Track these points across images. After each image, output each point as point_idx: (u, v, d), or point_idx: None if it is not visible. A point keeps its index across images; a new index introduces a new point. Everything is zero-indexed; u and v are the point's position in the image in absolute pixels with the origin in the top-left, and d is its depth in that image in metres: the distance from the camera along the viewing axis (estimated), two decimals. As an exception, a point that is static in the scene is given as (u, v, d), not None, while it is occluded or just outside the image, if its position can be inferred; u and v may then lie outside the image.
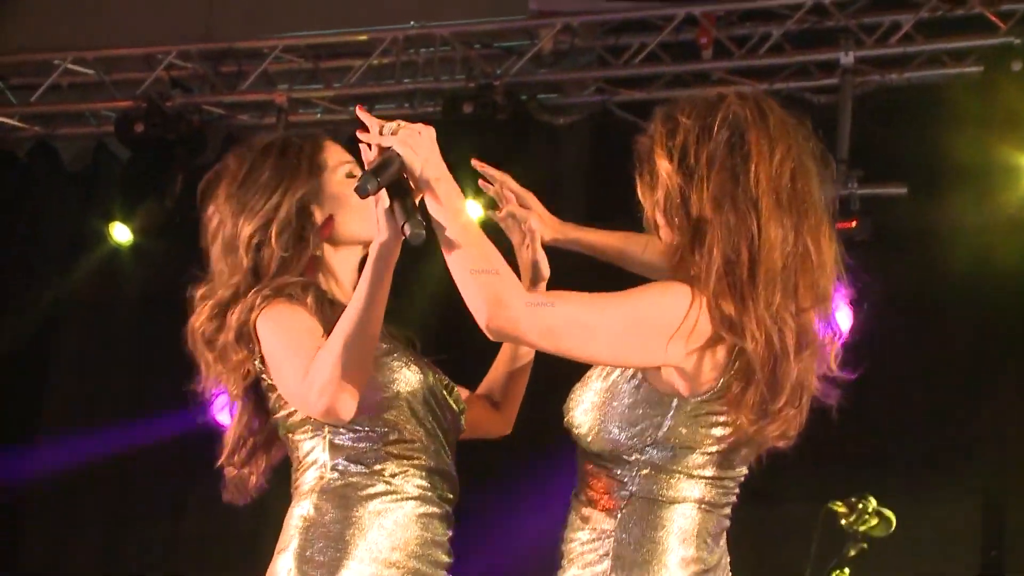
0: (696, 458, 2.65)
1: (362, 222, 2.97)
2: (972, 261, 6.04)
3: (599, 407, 2.68)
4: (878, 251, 5.97)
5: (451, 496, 2.95)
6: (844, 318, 5.62)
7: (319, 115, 7.38)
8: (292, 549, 2.83)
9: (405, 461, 2.87)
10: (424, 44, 7.16)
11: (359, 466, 2.85)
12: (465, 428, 3.06)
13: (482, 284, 2.51)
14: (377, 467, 2.86)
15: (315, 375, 2.68)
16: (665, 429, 2.63)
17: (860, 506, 4.59)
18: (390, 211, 2.58)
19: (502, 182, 3.18)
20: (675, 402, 2.63)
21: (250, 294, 2.89)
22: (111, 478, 7.23)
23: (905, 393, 6.02)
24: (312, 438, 2.89)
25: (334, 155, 3.08)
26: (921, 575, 5.89)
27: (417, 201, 2.60)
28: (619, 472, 2.67)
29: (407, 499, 2.86)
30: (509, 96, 6.78)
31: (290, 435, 2.93)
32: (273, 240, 2.93)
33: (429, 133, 2.63)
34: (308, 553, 2.81)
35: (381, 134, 2.61)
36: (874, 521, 4.61)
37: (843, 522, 4.61)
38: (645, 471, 2.65)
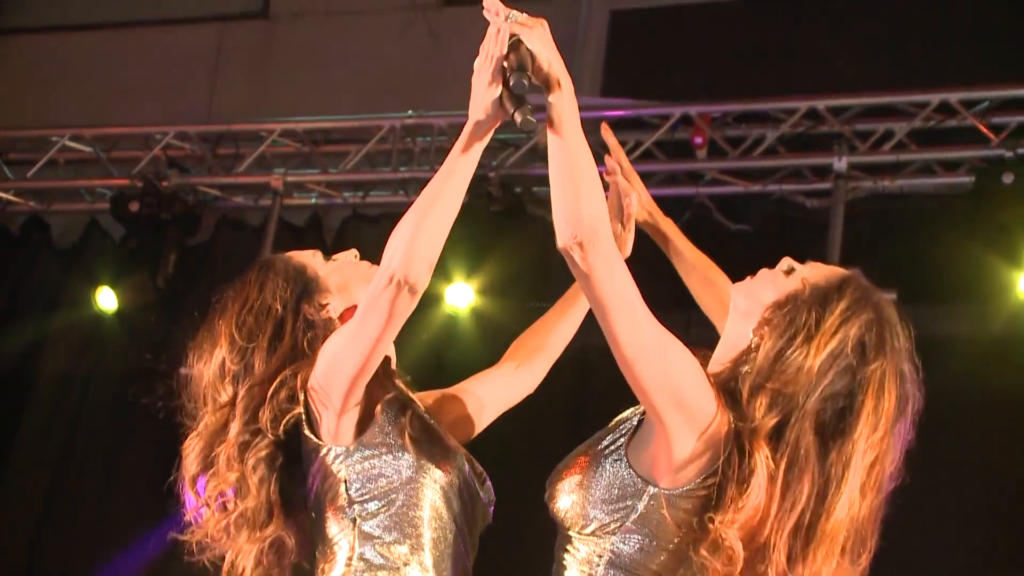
0: (660, 555, 2.64)
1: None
2: (963, 372, 6.04)
3: (582, 487, 2.69)
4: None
5: None
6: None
7: (313, 199, 7.41)
8: None
9: (429, 555, 2.85)
10: (421, 133, 7.21)
11: (384, 559, 2.83)
12: (491, 520, 3.03)
13: (588, 202, 2.53)
14: (401, 560, 2.83)
15: (393, 243, 2.69)
16: (636, 515, 2.64)
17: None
18: (500, 99, 2.59)
19: (616, 152, 3.32)
20: (651, 489, 2.63)
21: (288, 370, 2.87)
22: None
23: (892, 504, 5.99)
24: (342, 520, 2.86)
25: (300, 254, 3.08)
26: None
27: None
28: (592, 559, 2.67)
29: None
30: (504, 187, 6.82)
31: (320, 513, 2.89)
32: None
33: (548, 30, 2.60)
34: None
35: (507, 20, 2.57)
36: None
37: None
38: (617, 563, 2.65)
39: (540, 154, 7.03)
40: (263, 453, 2.86)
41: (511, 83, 2.55)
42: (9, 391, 7.48)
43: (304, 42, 7.95)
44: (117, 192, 7.38)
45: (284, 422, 2.86)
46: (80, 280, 7.41)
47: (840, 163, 6.47)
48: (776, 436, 2.56)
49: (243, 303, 2.96)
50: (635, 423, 2.74)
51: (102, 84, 8.04)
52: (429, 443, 2.89)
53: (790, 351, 2.60)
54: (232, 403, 2.90)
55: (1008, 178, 6.19)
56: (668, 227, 3.33)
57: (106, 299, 7.22)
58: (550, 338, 3.31)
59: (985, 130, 6.37)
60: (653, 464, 2.63)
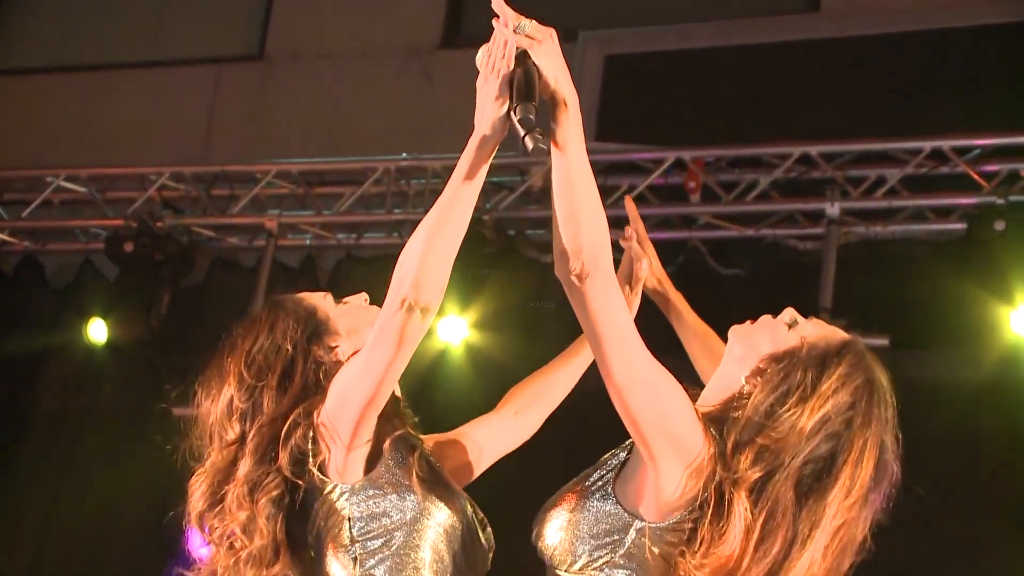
0: None
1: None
2: (954, 419, 6.04)
3: (570, 523, 2.70)
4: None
5: None
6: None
7: (308, 241, 7.42)
8: None
9: None
10: (415, 175, 7.23)
11: None
12: (489, 567, 3.01)
13: (589, 230, 2.51)
14: None
15: (402, 267, 2.69)
16: (623, 550, 2.64)
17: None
18: (506, 116, 2.53)
19: (636, 223, 3.34)
20: (637, 523, 2.64)
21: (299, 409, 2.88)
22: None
23: (882, 547, 5.98)
24: (343, 558, 2.84)
25: (311, 296, 3.08)
26: None
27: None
28: None
29: None
30: (497, 230, 6.84)
31: (321, 551, 2.87)
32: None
33: (557, 42, 2.53)
34: None
35: (516, 32, 2.51)
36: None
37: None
38: None
39: (534, 197, 7.06)
40: (273, 493, 2.86)
41: (518, 115, 2.50)
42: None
43: (300, 84, 7.98)
44: (112, 232, 7.40)
45: (296, 461, 2.85)
46: (73, 319, 7.41)
47: (833, 208, 6.49)
48: (758, 490, 2.58)
49: (253, 341, 2.96)
50: (622, 458, 2.75)
51: (98, 125, 8.07)
52: (435, 484, 2.89)
53: (783, 409, 2.61)
54: (240, 441, 2.90)
55: (1000, 225, 6.20)
56: (676, 297, 3.38)
57: (97, 331, 7.21)
58: (550, 386, 3.32)
59: (977, 177, 6.40)
60: (639, 497, 2.64)
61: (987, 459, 6.07)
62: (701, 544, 2.56)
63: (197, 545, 3.00)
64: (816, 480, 2.60)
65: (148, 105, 8.11)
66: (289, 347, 2.94)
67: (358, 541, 2.83)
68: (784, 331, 2.75)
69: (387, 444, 2.86)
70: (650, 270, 3.28)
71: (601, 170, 7.03)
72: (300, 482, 2.86)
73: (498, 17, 2.53)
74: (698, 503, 2.59)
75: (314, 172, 7.45)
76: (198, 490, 2.92)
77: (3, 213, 7.72)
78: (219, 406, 2.93)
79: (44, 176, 7.60)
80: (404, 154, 7.18)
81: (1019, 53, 6.56)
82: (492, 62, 2.54)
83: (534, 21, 2.52)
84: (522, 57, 2.51)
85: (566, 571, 2.71)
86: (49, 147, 8.01)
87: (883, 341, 6.17)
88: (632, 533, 2.64)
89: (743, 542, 2.55)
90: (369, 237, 7.33)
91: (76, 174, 7.56)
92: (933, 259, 6.43)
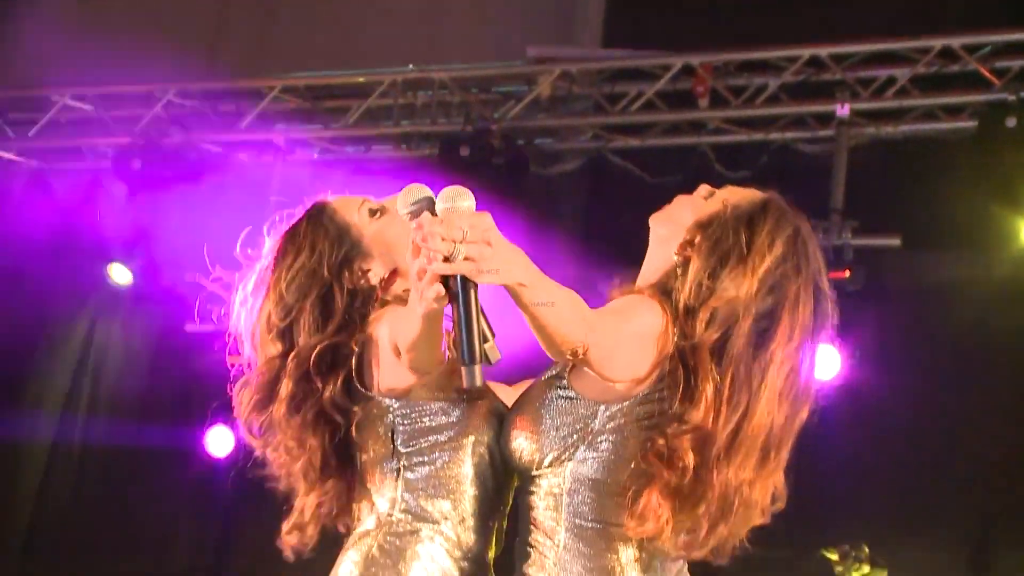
0: (620, 469, 2.68)
1: None
2: (965, 318, 6.05)
3: (534, 425, 2.74)
4: (871, 303, 5.99)
5: (496, 554, 2.94)
6: (833, 366, 5.67)
7: (316, 155, 7.41)
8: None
9: (470, 511, 2.87)
10: (422, 87, 7.20)
11: (426, 512, 2.85)
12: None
13: (567, 332, 2.49)
14: (442, 514, 2.85)
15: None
16: (592, 436, 2.69)
17: (853, 554, 4.61)
18: (454, 342, 2.42)
19: None
20: (602, 408, 2.69)
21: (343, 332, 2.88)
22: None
23: (894, 444, 6.02)
24: (386, 471, 2.88)
25: (347, 206, 3.06)
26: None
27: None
28: (554, 491, 2.72)
29: (463, 555, 2.85)
30: (506, 140, 6.81)
31: (364, 464, 2.91)
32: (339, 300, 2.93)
33: (497, 238, 2.35)
34: None
35: (451, 261, 2.33)
36: (866, 569, 4.63)
37: (837, 569, 4.63)
38: (579, 490, 2.70)
39: (542, 106, 7.03)
40: (314, 410, 2.88)
41: (461, 364, 2.36)
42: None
43: (305, -2, 7.92)
44: (119, 150, 7.39)
45: (337, 381, 2.87)
46: (82, 239, 7.43)
47: (843, 110, 6.46)
48: (718, 351, 2.66)
49: (294, 257, 2.97)
50: None
51: (103, 42, 8.02)
52: (477, 402, 2.89)
53: (725, 271, 2.71)
54: (282, 358, 2.92)
55: (1011, 121, 6.17)
56: None
57: (119, 274, 7.26)
58: None
59: (988, 74, 6.36)
60: (600, 383, 2.68)
61: (998, 357, 6.09)
62: (676, 415, 2.63)
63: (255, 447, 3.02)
64: (763, 332, 2.69)
65: (154, 21, 8.04)
66: (326, 272, 2.95)
67: (402, 455, 2.86)
68: (702, 202, 2.84)
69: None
70: None
71: (609, 77, 7.00)
72: (344, 399, 2.88)
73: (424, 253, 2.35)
74: (663, 375, 2.66)
75: (321, 86, 7.41)
76: (243, 402, 2.96)
77: (10, 132, 7.70)
78: (260, 318, 2.95)
79: (50, 95, 7.58)
80: (410, 66, 7.15)
81: (1030, -52, 6.49)
82: (427, 258, 2.35)
83: (466, 231, 2.31)
84: (462, 284, 2.35)
85: (538, 469, 2.75)
86: (53, 65, 7.95)
87: (895, 241, 6.17)
88: (600, 418, 2.70)
89: (714, 402, 2.63)
90: (377, 150, 7.32)
91: (82, 92, 7.54)
92: (944, 159, 6.40)
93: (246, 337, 3.00)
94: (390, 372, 2.82)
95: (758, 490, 2.69)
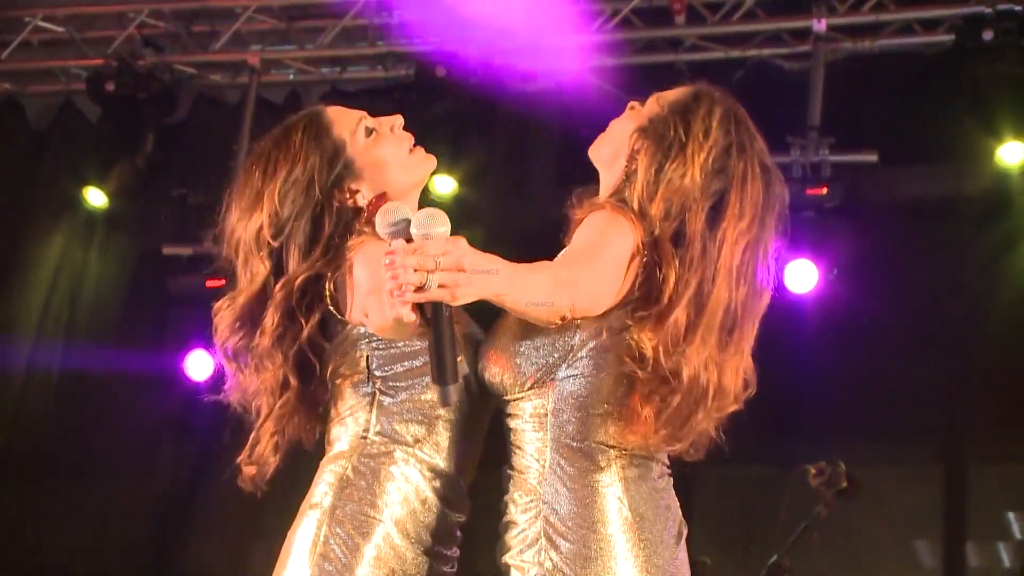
0: (605, 380, 2.71)
1: (404, 172, 2.98)
2: (941, 233, 6.08)
3: (512, 349, 2.76)
4: (848, 218, 6.01)
5: (470, 481, 2.96)
6: (809, 280, 5.71)
7: (291, 76, 7.36)
8: (326, 506, 2.84)
9: (444, 437, 2.88)
10: (398, 7, 7.12)
11: (400, 435, 2.85)
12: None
13: (548, 305, 2.57)
14: (416, 438, 2.86)
15: None
16: (572, 353, 2.72)
17: (831, 469, 4.71)
18: (431, 365, 2.43)
19: None
20: (579, 322, 2.71)
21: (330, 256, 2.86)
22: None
23: (870, 361, 6.07)
24: (361, 394, 2.88)
25: (343, 122, 3.00)
26: (884, 537, 5.96)
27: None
28: (539, 412, 2.74)
29: (437, 477, 2.86)
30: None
31: (339, 386, 2.91)
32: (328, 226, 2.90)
33: (471, 261, 2.36)
34: (339, 513, 2.82)
35: (426, 290, 2.34)
36: (843, 484, 4.73)
37: (814, 484, 4.72)
38: (563, 409, 2.72)
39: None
40: (295, 349, 2.86)
41: (434, 383, 2.41)
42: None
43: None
44: (92, 72, 7.33)
45: (319, 307, 2.85)
46: (56, 163, 7.39)
47: (819, 25, 6.44)
48: (676, 241, 2.73)
49: (288, 172, 2.92)
50: None
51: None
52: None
53: (669, 163, 2.78)
54: (268, 280, 2.89)
55: (988, 35, 6.17)
56: None
57: (95, 197, 7.22)
58: None
59: (965, -13, 6.34)
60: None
61: (972, 272, 6.13)
62: (647, 316, 2.68)
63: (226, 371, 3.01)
64: (715, 212, 2.76)
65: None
66: (317, 191, 2.90)
67: (377, 379, 2.86)
68: (636, 112, 2.92)
69: None
70: None
71: (585, -7, 6.94)
72: (320, 338, 2.87)
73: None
74: (635, 278, 2.70)
75: (295, 6, 7.34)
76: (224, 321, 2.93)
77: (-19, 56, 7.63)
78: (249, 231, 2.90)
79: (21, 17, 7.49)
80: (385, -17, 7.08)
81: None
82: (400, 280, 2.35)
83: (440, 260, 2.32)
84: (436, 310, 2.37)
85: (520, 392, 2.77)
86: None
87: (872, 157, 6.18)
88: (578, 336, 2.72)
89: (676, 285, 2.68)
90: (353, 70, 7.27)
91: (54, 13, 7.46)
92: (921, 74, 6.40)
93: (230, 249, 2.94)
94: (360, 313, 2.79)
95: (728, 374, 2.73)
